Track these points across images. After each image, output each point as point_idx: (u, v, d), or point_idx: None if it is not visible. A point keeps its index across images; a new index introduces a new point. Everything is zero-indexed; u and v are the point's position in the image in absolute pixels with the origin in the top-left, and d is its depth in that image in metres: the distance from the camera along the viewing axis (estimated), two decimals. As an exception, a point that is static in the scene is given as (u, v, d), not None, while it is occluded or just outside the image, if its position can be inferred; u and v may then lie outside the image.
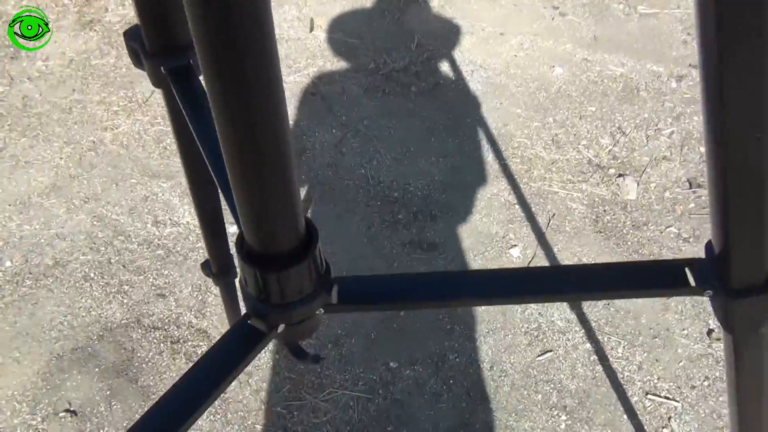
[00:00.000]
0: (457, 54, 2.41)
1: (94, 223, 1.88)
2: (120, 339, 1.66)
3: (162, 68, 0.70)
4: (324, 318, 0.48)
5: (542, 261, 1.82)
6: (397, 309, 0.46)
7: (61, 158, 2.03)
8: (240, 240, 0.39)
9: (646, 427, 1.54)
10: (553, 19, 2.54)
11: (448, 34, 2.48)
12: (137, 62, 0.76)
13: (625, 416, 1.55)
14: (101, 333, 1.67)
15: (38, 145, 2.07)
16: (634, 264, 0.45)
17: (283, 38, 2.44)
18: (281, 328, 0.44)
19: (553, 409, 1.56)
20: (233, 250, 0.43)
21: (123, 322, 1.70)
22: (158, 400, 0.37)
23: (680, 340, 1.68)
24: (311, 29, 2.49)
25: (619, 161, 2.07)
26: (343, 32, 2.48)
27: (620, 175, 2.03)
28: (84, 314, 1.70)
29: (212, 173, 0.56)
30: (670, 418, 1.55)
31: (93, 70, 2.32)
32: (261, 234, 0.37)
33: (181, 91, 0.66)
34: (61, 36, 2.43)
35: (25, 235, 1.85)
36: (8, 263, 1.79)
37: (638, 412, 1.56)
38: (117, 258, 1.81)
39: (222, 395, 1.54)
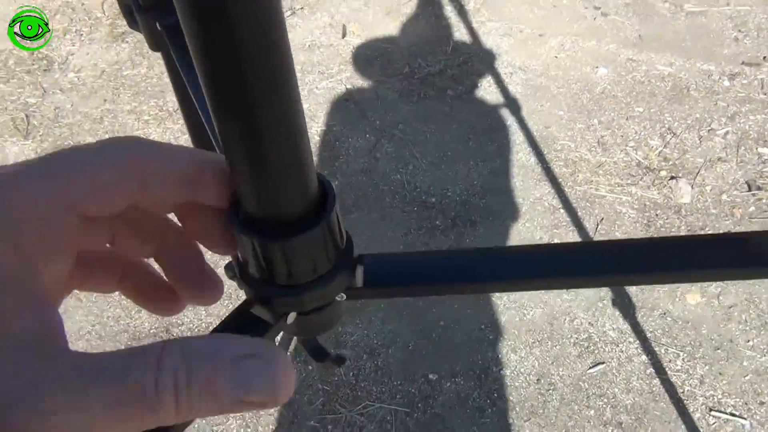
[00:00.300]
0: (495, 56, 2.32)
1: (123, 231, 1.83)
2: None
3: (158, 25, 0.63)
4: (347, 308, 0.37)
5: (591, 267, 1.71)
6: (438, 293, 0.34)
7: (91, 167, 1.99)
8: (235, 205, 0.29)
9: (711, 447, 1.41)
10: (594, 19, 2.44)
11: (485, 36, 2.40)
12: (132, 21, 0.69)
13: (687, 434, 1.42)
14: (129, 342, 1.60)
15: (69, 154, 2.04)
16: (732, 236, 0.34)
17: (315, 45, 2.39)
18: (292, 317, 0.34)
19: (607, 425, 1.44)
20: None
21: (152, 331, 1.63)
22: None
23: (745, 352, 1.54)
24: (344, 35, 2.44)
25: (670, 163, 1.95)
26: (376, 37, 2.42)
27: (672, 178, 1.91)
28: (112, 323, 1.64)
29: (212, 138, 0.49)
30: (737, 436, 1.42)
31: (124, 80, 2.29)
32: (259, 191, 0.27)
33: (178, 50, 0.59)
34: (94, 48, 2.42)
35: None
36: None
37: (702, 430, 1.43)
38: (145, 267, 1.75)
39: (252, 409, 1.46)
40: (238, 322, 0.32)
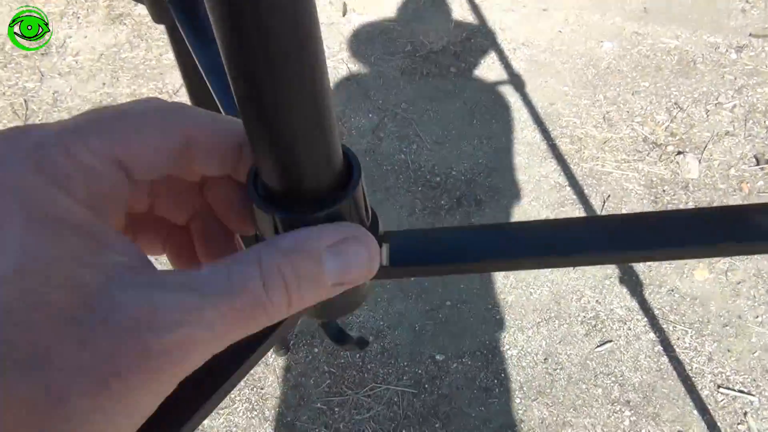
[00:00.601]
0: (498, 32, 2.29)
1: (126, 216, 1.82)
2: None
3: None
4: (372, 288, 0.36)
5: (597, 245, 1.69)
6: (469, 271, 0.32)
7: (91, 152, 1.98)
8: (253, 178, 0.27)
9: (719, 424, 1.40)
10: (599, -8, 2.39)
11: (488, 12, 2.36)
12: None
13: (695, 412, 1.42)
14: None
15: (69, 139, 2.02)
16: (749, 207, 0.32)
17: (315, 23, 2.35)
18: None
19: (615, 404, 1.43)
20: None
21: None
22: None
23: (754, 328, 1.53)
24: (344, 13, 2.40)
25: (677, 138, 1.92)
26: (377, 15, 2.38)
27: (679, 153, 1.88)
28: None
29: (222, 111, 0.47)
30: (746, 413, 1.41)
31: (123, 63, 2.26)
32: (280, 162, 0.25)
33: (184, 19, 0.57)
34: (91, 31, 2.39)
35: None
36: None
37: (710, 407, 1.42)
38: (149, 251, 1.74)
39: (259, 391, 1.46)
40: None
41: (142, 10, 2.47)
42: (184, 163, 0.26)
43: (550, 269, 1.64)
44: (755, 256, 1.65)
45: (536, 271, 1.64)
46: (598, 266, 1.64)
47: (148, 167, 0.25)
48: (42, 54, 2.30)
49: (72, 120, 0.24)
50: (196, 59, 0.53)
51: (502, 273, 1.64)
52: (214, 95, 0.50)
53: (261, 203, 0.27)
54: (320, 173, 0.26)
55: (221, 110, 0.49)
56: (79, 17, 2.43)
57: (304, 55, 0.23)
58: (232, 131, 0.27)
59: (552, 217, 1.77)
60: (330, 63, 2.21)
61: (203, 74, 0.51)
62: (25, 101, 2.14)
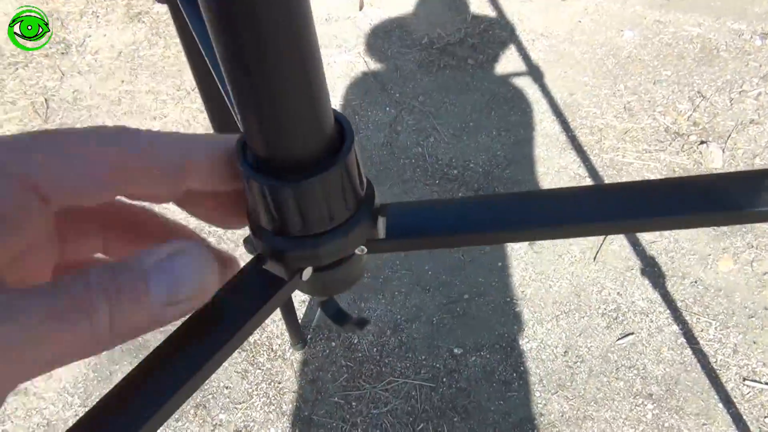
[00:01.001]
0: (516, 23, 2.26)
1: (144, 212, 1.83)
2: (171, 327, 1.59)
3: None
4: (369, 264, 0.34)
5: (619, 237, 1.66)
6: (469, 243, 0.30)
7: (111, 149, 1.99)
8: (241, 145, 0.26)
9: (745, 417, 1.37)
10: (619, -19, 2.36)
11: (505, 2, 2.33)
12: None
13: (720, 405, 1.38)
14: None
15: (89, 136, 2.04)
16: None
17: (332, 18, 2.35)
18: (307, 273, 0.31)
19: (638, 397, 1.41)
20: None
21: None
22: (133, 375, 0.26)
23: (781, 320, 1.49)
24: (360, 7, 2.39)
25: (700, 127, 1.88)
26: (394, 8, 2.37)
27: (702, 142, 1.84)
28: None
29: (220, 86, 0.46)
30: (773, 406, 1.37)
31: (141, 60, 2.28)
32: (267, 125, 0.24)
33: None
34: (110, 29, 2.41)
35: (76, 227, 1.81)
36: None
37: (735, 400, 1.39)
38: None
39: (277, 385, 1.46)
40: (248, 280, 0.30)
41: (160, 8, 2.48)
42: (130, 189, 0.26)
43: (570, 263, 1.62)
44: (782, 246, 1.61)
45: (556, 263, 1.62)
46: (620, 259, 1.61)
47: (77, 196, 0.24)
48: (62, 53, 2.33)
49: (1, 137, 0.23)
50: (195, 36, 0.52)
51: (521, 266, 1.62)
52: (210, 67, 0.49)
53: (251, 173, 0.26)
54: (308, 136, 0.25)
55: (219, 86, 0.48)
56: (98, 16, 2.45)
57: (292, 15, 0.22)
58: (170, 150, 0.26)
59: (572, 208, 1.75)
60: (347, 57, 2.21)
61: (200, 47, 0.51)
62: (46, 100, 2.16)
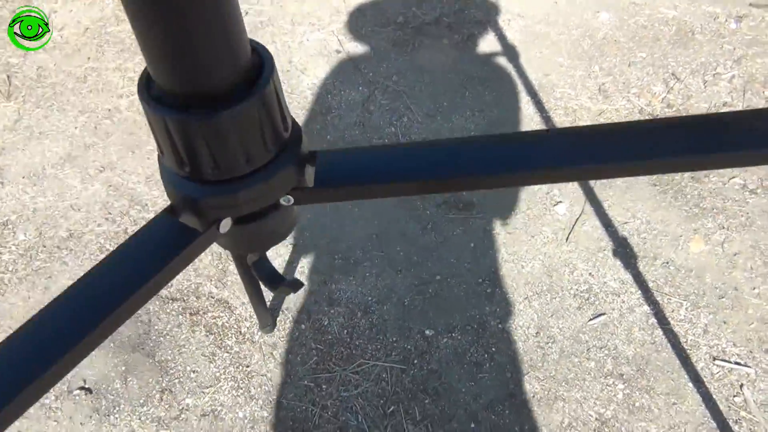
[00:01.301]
0: (492, 3, 2.23)
1: (110, 192, 1.78)
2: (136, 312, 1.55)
3: None
4: (299, 217, 0.31)
5: (591, 218, 1.65)
6: (405, 193, 0.27)
7: (76, 128, 1.94)
8: (145, 77, 0.23)
9: (715, 396, 1.37)
10: (595, -39, 2.34)
11: (481, -17, 2.30)
12: None
13: (690, 384, 1.39)
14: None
15: (52, 115, 1.98)
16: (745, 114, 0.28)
17: (305, -4, 2.30)
18: (226, 225, 0.27)
19: (608, 377, 1.40)
20: None
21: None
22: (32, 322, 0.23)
23: (751, 300, 1.50)
24: (335, -15, 2.34)
25: (674, 109, 1.88)
26: (368, -13, 2.33)
27: (676, 124, 1.84)
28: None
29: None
30: (742, 385, 1.38)
31: (108, 37, 2.22)
32: (171, 50, 0.20)
33: None
34: (77, 5, 2.34)
35: (38, 208, 1.76)
36: (22, 236, 1.70)
37: (705, 380, 1.39)
38: (133, 228, 1.71)
39: (245, 369, 1.43)
40: (159, 233, 0.26)
41: (128, -16, 2.41)
42: None
43: (542, 243, 1.60)
44: (751, 227, 1.61)
45: (528, 244, 1.61)
46: (592, 240, 1.60)
47: None
48: (26, 29, 2.25)
49: None
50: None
51: (494, 246, 1.60)
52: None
53: (154, 106, 0.23)
54: (217, 61, 0.22)
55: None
56: (48, 21, 2.38)
57: None
58: None
59: (545, 188, 1.74)
60: (320, 35, 2.17)
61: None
62: (8, 77, 2.09)
